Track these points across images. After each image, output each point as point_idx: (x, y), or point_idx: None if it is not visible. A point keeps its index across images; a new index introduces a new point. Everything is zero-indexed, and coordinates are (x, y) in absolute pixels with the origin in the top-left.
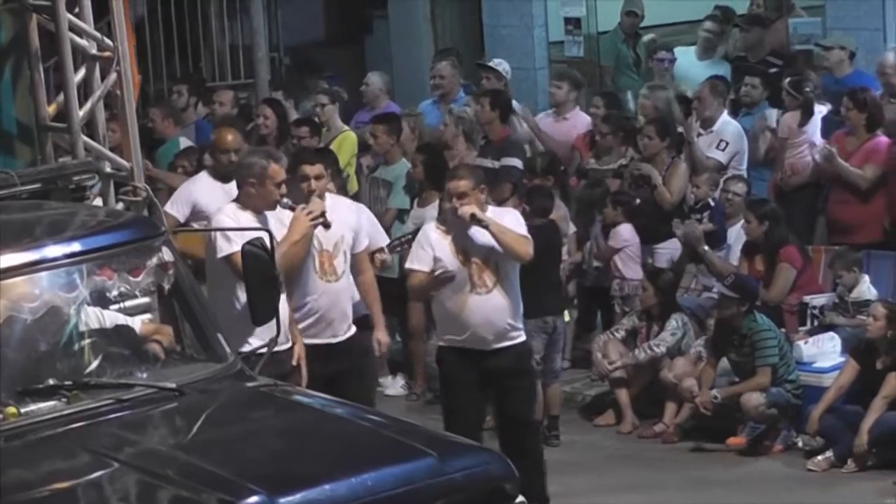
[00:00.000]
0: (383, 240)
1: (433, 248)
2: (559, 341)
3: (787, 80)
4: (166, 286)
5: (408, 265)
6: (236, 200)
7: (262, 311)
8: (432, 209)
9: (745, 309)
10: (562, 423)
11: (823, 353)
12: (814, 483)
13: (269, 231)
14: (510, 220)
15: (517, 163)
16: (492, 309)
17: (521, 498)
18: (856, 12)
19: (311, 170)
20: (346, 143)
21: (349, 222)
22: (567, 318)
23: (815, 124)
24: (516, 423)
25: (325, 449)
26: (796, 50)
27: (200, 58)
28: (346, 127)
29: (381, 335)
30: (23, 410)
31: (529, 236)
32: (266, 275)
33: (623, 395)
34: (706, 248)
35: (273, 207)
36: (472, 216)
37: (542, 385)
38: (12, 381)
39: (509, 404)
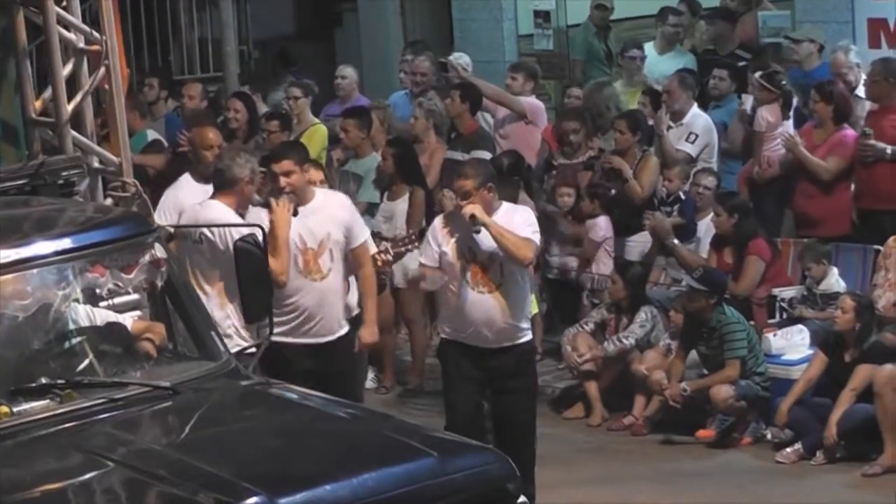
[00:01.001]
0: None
1: (439, 243)
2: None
3: (759, 73)
4: (159, 283)
5: (419, 259)
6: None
7: (255, 308)
8: (402, 203)
9: (713, 302)
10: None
11: (792, 345)
12: (782, 475)
13: (261, 227)
14: (520, 219)
15: (486, 155)
16: (493, 308)
17: (522, 498)
18: (824, 5)
19: (280, 167)
20: (316, 136)
21: (339, 218)
22: (535, 310)
23: (791, 117)
24: (511, 423)
25: (324, 448)
26: (765, 43)
27: (170, 51)
28: (317, 120)
29: (365, 332)
30: (15, 410)
31: (535, 238)
32: (258, 271)
33: (592, 388)
34: (675, 241)
35: (246, 207)
36: (472, 217)
37: None
38: (4, 379)
39: (506, 405)
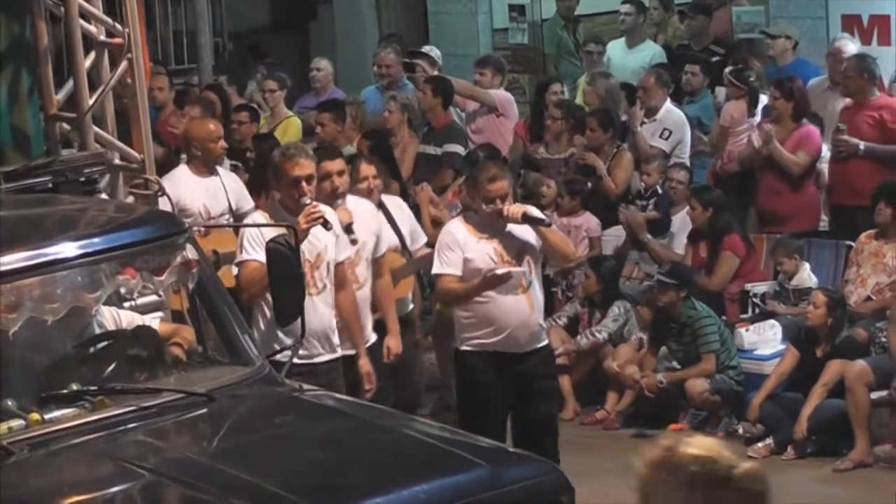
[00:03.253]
0: (423, 238)
1: (462, 248)
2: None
3: (729, 69)
4: (190, 286)
5: (435, 269)
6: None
7: (287, 310)
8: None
9: (683, 295)
10: None
11: (764, 340)
12: None
13: (293, 227)
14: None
15: (459, 149)
16: (526, 310)
17: None
18: (798, 2)
19: (333, 165)
20: (290, 128)
21: (372, 228)
22: None
23: (758, 113)
24: (541, 426)
25: (371, 459)
26: (740, 38)
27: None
28: (291, 113)
29: (392, 342)
30: (46, 417)
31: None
32: (291, 273)
33: (565, 382)
34: (648, 235)
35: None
36: (524, 215)
37: None
38: (34, 386)
39: (536, 407)
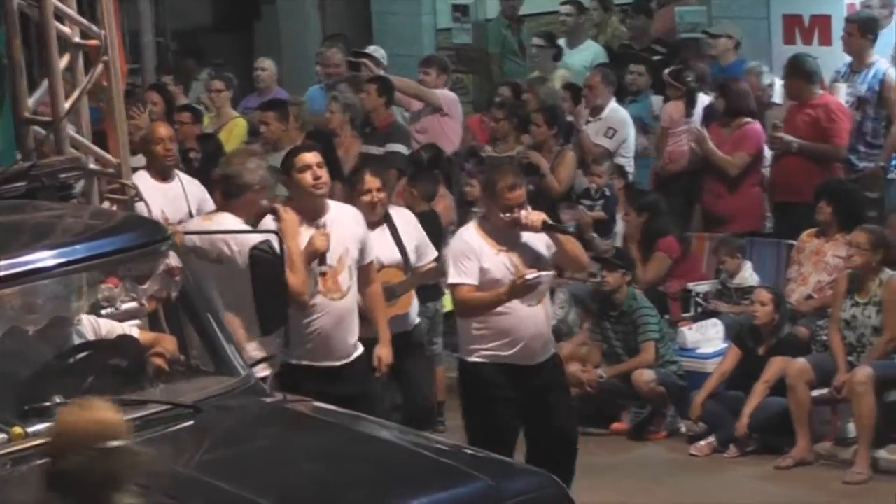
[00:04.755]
0: (433, 252)
1: (479, 258)
2: (439, 325)
3: (668, 70)
4: (173, 294)
5: (452, 280)
6: (229, 211)
7: (272, 318)
8: None
9: (628, 280)
10: (447, 409)
11: (707, 339)
12: (696, 468)
13: (276, 233)
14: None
15: (402, 148)
16: (541, 320)
17: None
18: (741, 1)
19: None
20: (236, 129)
21: (355, 234)
22: (448, 303)
23: (698, 114)
24: (560, 437)
25: (367, 472)
26: (683, 38)
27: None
28: (236, 113)
29: (383, 351)
30: (30, 431)
31: None
32: (274, 281)
33: None
34: (594, 234)
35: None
36: (545, 223)
37: None
38: (16, 399)
39: (555, 419)
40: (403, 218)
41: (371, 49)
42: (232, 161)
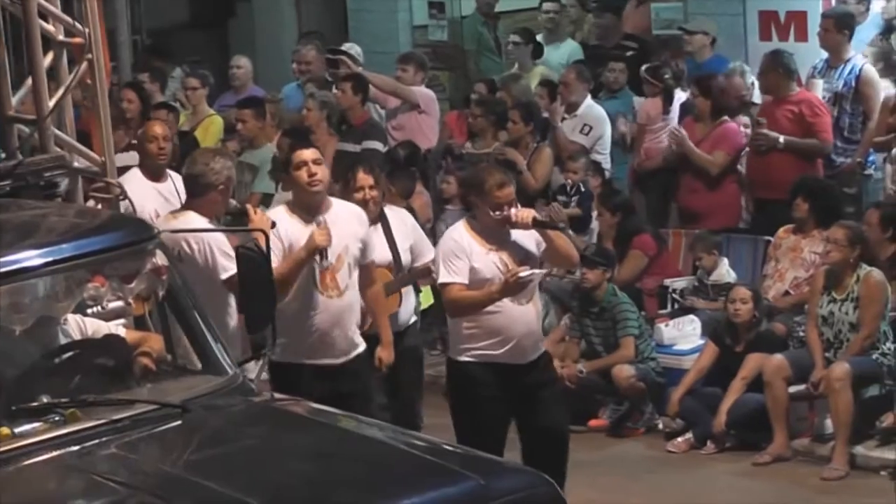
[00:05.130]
0: (431, 252)
1: (469, 257)
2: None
3: (645, 67)
4: (160, 293)
5: (442, 279)
6: (194, 210)
7: (258, 318)
8: None
9: (608, 276)
10: (425, 406)
11: (684, 335)
12: (674, 464)
13: (264, 231)
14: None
15: (378, 146)
16: (532, 319)
17: None
18: None
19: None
20: (212, 126)
21: (355, 232)
22: (430, 300)
23: (675, 110)
24: (552, 435)
25: (357, 472)
26: (660, 35)
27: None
28: (212, 111)
29: (384, 352)
30: (16, 431)
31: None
32: (261, 279)
33: None
34: (570, 231)
35: (221, 212)
36: (535, 220)
37: None
38: (2, 399)
39: (546, 417)
40: (399, 217)
41: (347, 46)
42: (197, 160)
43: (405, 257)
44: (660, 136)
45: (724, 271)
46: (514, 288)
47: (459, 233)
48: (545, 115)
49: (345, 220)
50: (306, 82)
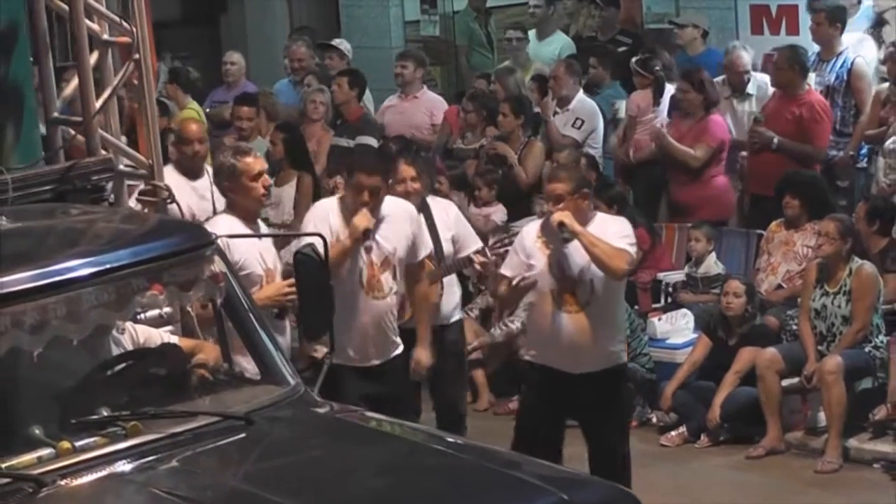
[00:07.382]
0: (475, 243)
1: (528, 255)
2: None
3: (635, 59)
4: (219, 300)
5: (500, 269)
6: (226, 210)
7: (316, 324)
8: (290, 188)
9: None
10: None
11: (677, 329)
12: (667, 458)
13: (321, 235)
14: (614, 230)
15: (372, 141)
16: (579, 330)
17: None
18: None
19: (369, 181)
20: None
21: (404, 233)
22: None
23: (665, 102)
24: (603, 459)
25: (434, 487)
26: (651, 28)
27: (54, 37)
28: (193, 103)
29: (421, 354)
30: (77, 445)
31: (630, 249)
32: (319, 285)
33: (479, 375)
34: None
35: (260, 206)
36: (561, 223)
37: None
38: (62, 411)
39: (595, 437)
40: (442, 207)
41: (336, 42)
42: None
43: (447, 247)
44: (650, 128)
45: (713, 263)
46: (521, 290)
47: (528, 230)
48: (537, 110)
49: (397, 220)
50: (304, 77)
